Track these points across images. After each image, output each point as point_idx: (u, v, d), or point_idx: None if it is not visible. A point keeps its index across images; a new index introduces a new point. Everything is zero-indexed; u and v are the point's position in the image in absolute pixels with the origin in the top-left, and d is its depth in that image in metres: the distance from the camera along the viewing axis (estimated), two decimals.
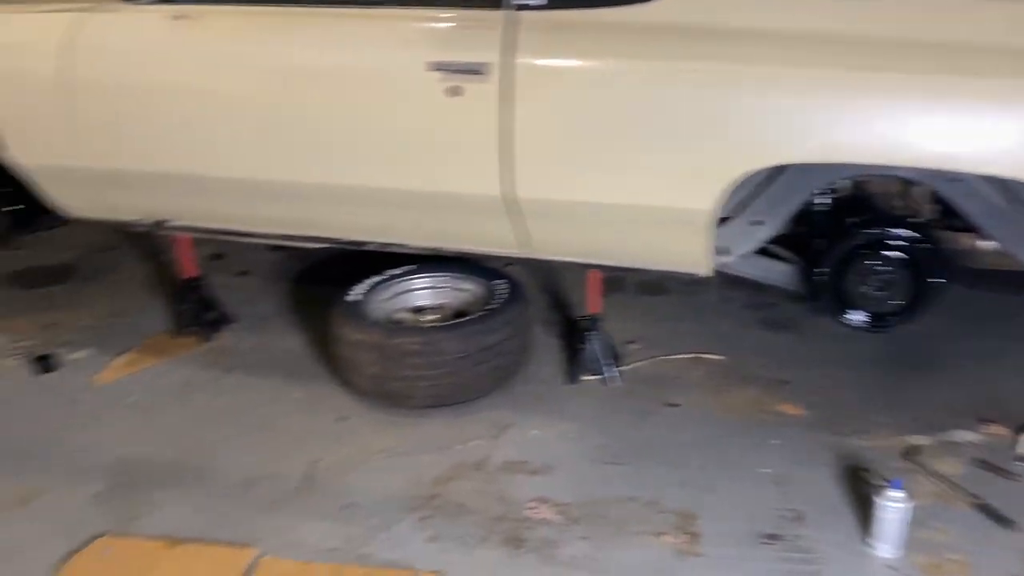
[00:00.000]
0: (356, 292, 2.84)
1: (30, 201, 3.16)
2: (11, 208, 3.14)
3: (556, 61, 2.27)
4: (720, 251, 2.52)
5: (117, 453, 2.55)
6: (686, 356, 2.96)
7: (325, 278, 3.64)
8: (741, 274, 2.70)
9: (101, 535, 2.22)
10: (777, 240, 2.65)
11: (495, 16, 2.28)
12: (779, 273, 2.70)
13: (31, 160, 2.81)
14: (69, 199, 2.91)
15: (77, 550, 2.17)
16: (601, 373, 2.79)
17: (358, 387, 2.74)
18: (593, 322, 2.75)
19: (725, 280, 3.34)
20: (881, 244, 2.41)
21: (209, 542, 2.18)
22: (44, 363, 3.00)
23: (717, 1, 2.18)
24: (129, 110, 2.61)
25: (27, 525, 2.28)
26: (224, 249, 3.89)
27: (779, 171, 2.37)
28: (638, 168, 2.21)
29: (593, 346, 2.76)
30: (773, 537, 2.14)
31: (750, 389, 2.76)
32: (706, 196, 2.18)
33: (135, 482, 2.42)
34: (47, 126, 2.70)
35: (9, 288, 3.69)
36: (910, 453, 2.42)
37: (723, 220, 2.46)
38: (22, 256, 3.88)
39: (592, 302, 2.72)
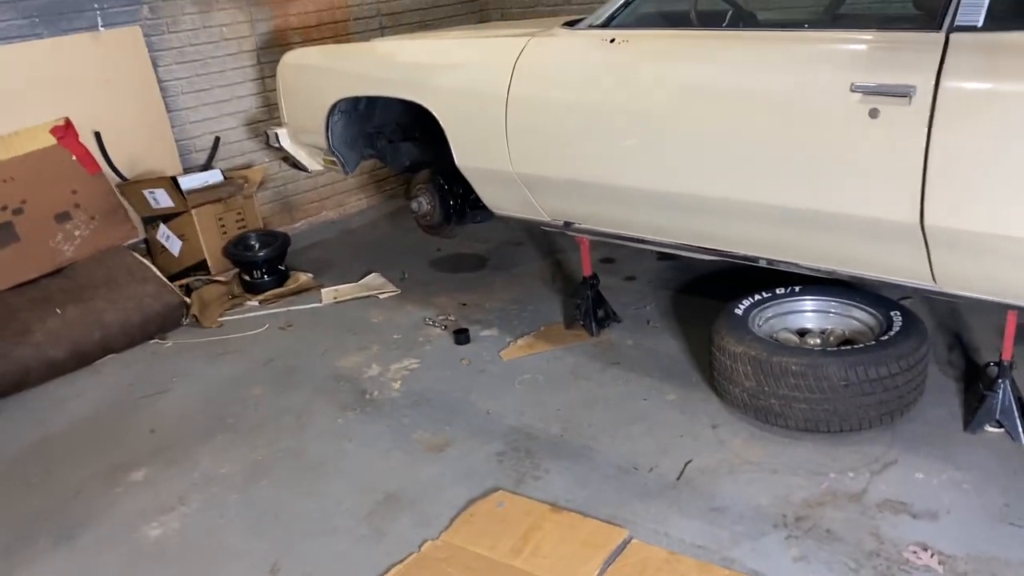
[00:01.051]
0: (742, 305, 2.90)
1: (464, 198, 3.72)
2: (451, 203, 3.71)
3: (992, 86, 2.13)
4: None
5: (515, 420, 2.91)
6: None
7: (705, 291, 3.75)
8: None
9: (497, 489, 2.56)
10: None
11: (929, 38, 2.20)
12: None
13: (470, 163, 3.29)
14: (496, 199, 3.36)
15: (478, 497, 2.53)
16: (1008, 427, 2.53)
17: (732, 398, 2.79)
18: (1004, 369, 2.50)
19: None
20: None
21: (587, 515, 2.40)
22: (461, 336, 3.50)
23: None
24: (556, 123, 2.94)
25: (441, 468, 2.70)
26: (615, 254, 4.19)
27: None
28: None
29: (1001, 395, 2.52)
30: None
31: None
32: None
33: (528, 448, 2.74)
34: (484, 134, 3.15)
35: (437, 270, 4.34)
36: None
37: None
38: (450, 244, 4.53)
39: (1007, 347, 2.48)
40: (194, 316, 3.93)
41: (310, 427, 3.00)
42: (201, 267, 4.26)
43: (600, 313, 3.47)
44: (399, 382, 3.25)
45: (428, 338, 3.58)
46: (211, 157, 4.55)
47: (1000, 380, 2.52)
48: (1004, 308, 2.38)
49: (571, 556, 2.24)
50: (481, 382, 3.19)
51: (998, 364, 2.53)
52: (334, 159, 3.86)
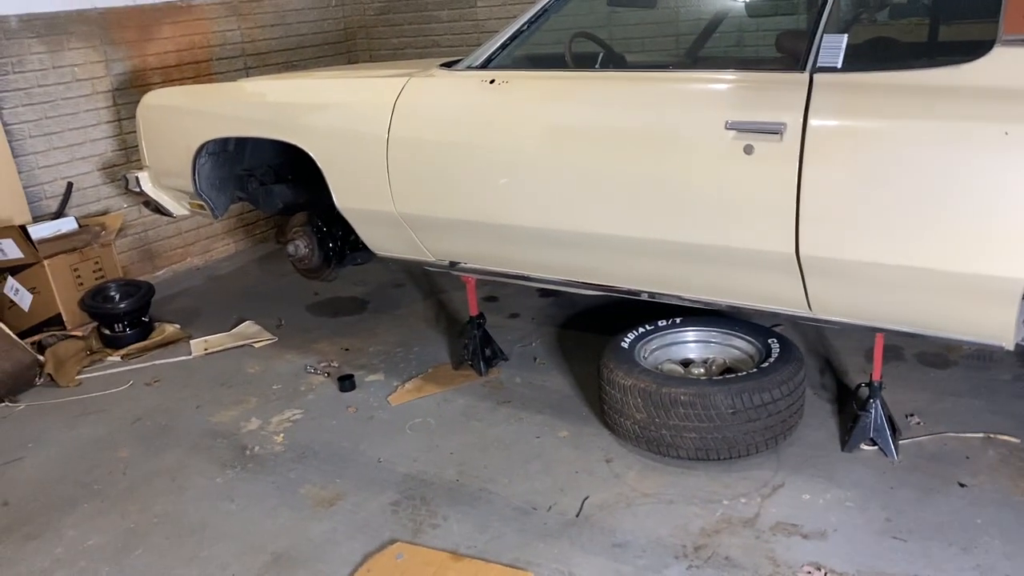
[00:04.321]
0: (628, 338, 2.94)
1: (343, 240, 3.63)
2: (330, 245, 3.61)
3: (854, 122, 2.27)
4: None
5: (408, 468, 2.82)
6: (975, 435, 2.76)
7: (588, 326, 3.80)
8: None
9: (394, 541, 2.46)
10: None
11: (795, 78, 2.33)
12: None
13: (351, 204, 3.21)
14: (380, 240, 3.29)
15: (375, 551, 2.42)
16: (881, 444, 2.67)
17: (624, 431, 2.82)
18: (875, 389, 2.64)
19: (1023, 357, 3.11)
20: None
21: (489, 561, 2.35)
22: (346, 382, 3.39)
23: None
24: (440, 163, 2.92)
25: (333, 523, 2.57)
26: (497, 292, 4.19)
27: None
28: (946, 232, 2.13)
29: (874, 415, 2.65)
30: None
31: None
32: (1020, 265, 2.06)
33: (424, 496, 2.66)
34: (365, 175, 3.08)
35: (315, 315, 4.20)
36: None
37: None
38: (327, 288, 4.40)
39: (876, 368, 2.62)
40: (49, 375, 3.62)
41: (187, 489, 2.80)
42: (55, 322, 3.95)
43: (488, 352, 3.44)
44: (282, 435, 3.09)
45: (310, 387, 3.45)
46: (64, 204, 4.25)
47: (871, 400, 2.66)
48: (872, 331, 2.52)
49: None
50: (370, 430, 3.09)
51: (869, 385, 2.67)
52: (201, 203, 3.68)
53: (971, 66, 2.14)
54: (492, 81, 2.82)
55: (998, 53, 2.11)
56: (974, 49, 2.16)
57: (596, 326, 3.72)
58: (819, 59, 2.32)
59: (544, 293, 4.16)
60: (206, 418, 3.26)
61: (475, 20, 5.49)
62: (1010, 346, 2.28)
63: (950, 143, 2.10)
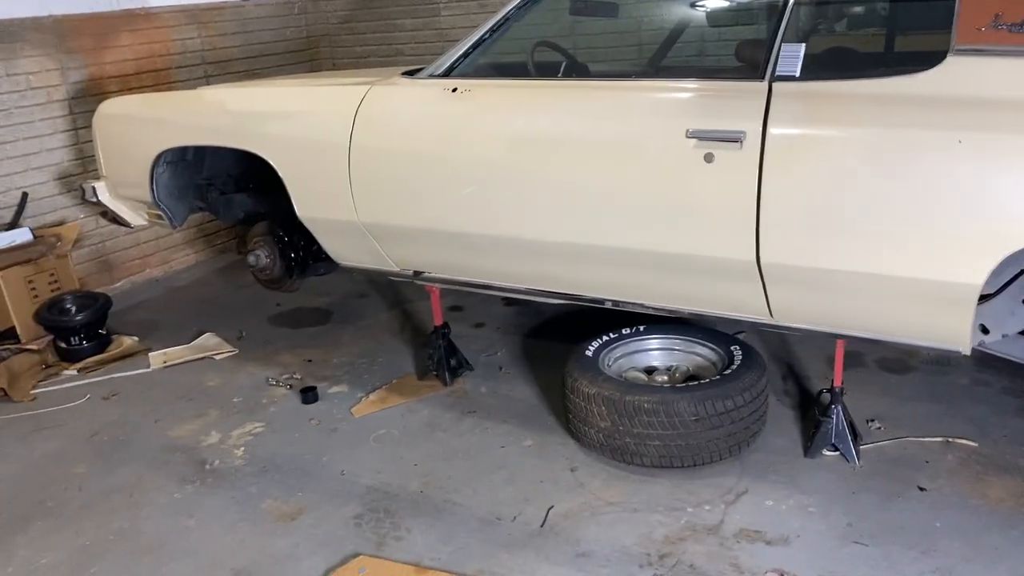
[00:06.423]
0: (592, 347, 2.94)
1: (305, 250, 3.59)
2: (292, 256, 3.56)
3: (812, 130, 2.29)
4: (980, 329, 2.40)
5: (371, 480, 2.78)
6: (935, 439, 2.79)
7: (553, 334, 3.79)
8: (1003, 355, 2.54)
9: (357, 555, 2.43)
10: None
11: (755, 87, 2.35)
12: None
13: (312, 213, 3.18)
14: (342, 250, 3.26)
15: (337, 566, 2.38)
16: (843, 450, 2.69)
17: (588, 440, 2.81)
18: (836, 396, 2.67)
19: (981, 361, 3.16)
20: None
21: (453, 572, 2.32)
22: (309, 394, 3.34)
23: (992, 73, 2.12)
24: (402, 171, 2.90)
25: (295, 538, 2.53)
26: (462, 302, 4.17)
27: None
28: (903, 239, 2.16)
29: (835, 421, 2.67)
30: None
31: (1011, 480, 2.56)
32: (975, 271, 2.09)
33: (387, 508, 2.63)
34: (327, 184, 3.05)
35: (278, 327, 4.15)
36: None
37: (984, 297, 2.34)
38: (290, 299, 4.35)
39: (837, 374, 2.64)
40: (2, 390, 3.52)
41: (145, 505, 2.74)
42: (10, 335, 3.86)
43: (453, 362, 3.42)
44: (243, 448, 3.04)
45: (272, 399, 3.39)
46: (18, 214, 4.15)
47: (833, 406, 2.68)
48: (833, 338, 2.55)
49: None
50: (333, 442, 3.05)
51: (830, 391, 2.69)
52: (160, 213, 3.62)
53: (925, 75, 2.17)
54: (455, 89, 2.81)
55: (951, 63, 2.15)
56: (928, 59, 2.20)
57: (561, 335, 3.71)
58: (778, 68, 2.34)
59: (509, 302, 4.15)
60: (165, 432, 3.20)
61: (439, 29, 5.48)
62: (967, 351, 2.32)
63: (905, 151, 2.13)
